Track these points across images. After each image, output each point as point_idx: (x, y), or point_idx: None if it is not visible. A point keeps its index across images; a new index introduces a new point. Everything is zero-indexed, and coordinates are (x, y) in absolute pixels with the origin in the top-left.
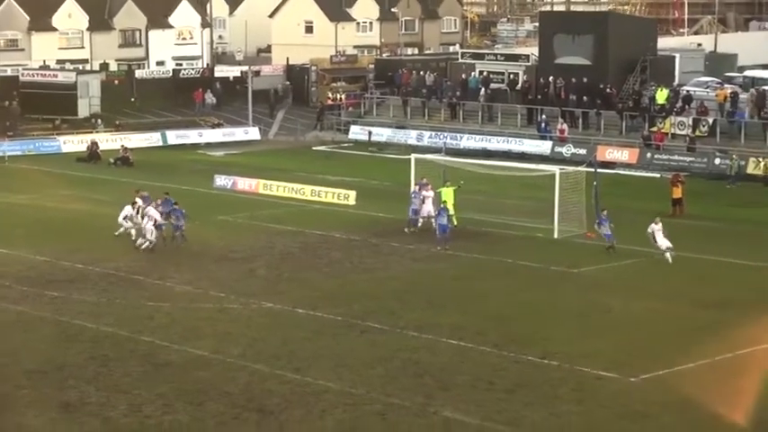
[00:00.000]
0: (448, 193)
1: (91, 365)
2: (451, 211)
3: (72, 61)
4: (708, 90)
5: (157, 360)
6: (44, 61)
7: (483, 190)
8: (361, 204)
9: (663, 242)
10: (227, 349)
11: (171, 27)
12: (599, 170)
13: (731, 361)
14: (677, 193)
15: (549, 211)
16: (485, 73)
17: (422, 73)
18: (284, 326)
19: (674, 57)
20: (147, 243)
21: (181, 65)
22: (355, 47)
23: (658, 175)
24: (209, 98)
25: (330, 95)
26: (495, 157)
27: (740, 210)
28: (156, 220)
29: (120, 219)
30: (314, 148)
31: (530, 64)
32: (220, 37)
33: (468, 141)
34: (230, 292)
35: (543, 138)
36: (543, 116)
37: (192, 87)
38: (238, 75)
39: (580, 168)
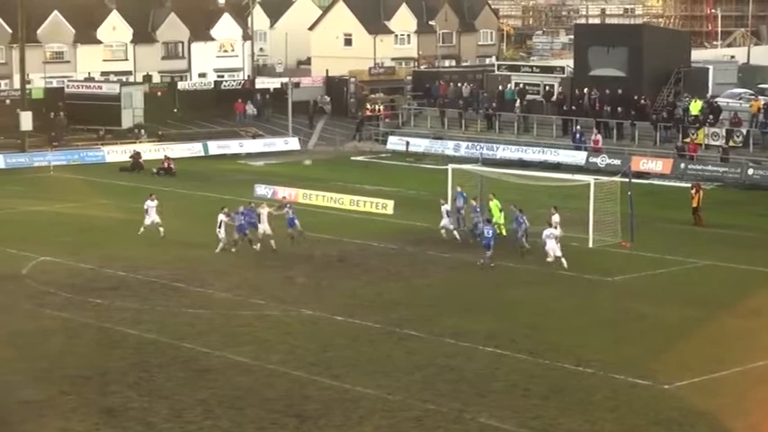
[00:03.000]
0: (495, 206)
1: (133, 371)
2: (501, 221)
3: (116, 73)
4: (741, 101)
5: (198, 366)
6: (89, 73)
7: (518, 199)
8: (399, 214)
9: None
10: (267, 356)
11: (213, 39)
12: (633, 180)
13: (764, 369)
14: (694, 201)
15: (584, 220)
16: (521, 84)
17: (459, 84)
18: (323, 333)
19: (707, 68)
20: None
21: (222, 77)
22: (393, 59)
23: (691, 186)
24: (250, 109)
25: (369, 106)
26: (531, 168)
27: None
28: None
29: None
30: (352, 159)
31: (565, 76)
32: (261, 49)
33: (505, 152)
34: (270, 299)
35: (578, 148)
36: (578, 127)
37: (233, 99)
38: (279, 86)
39: (615, 179)
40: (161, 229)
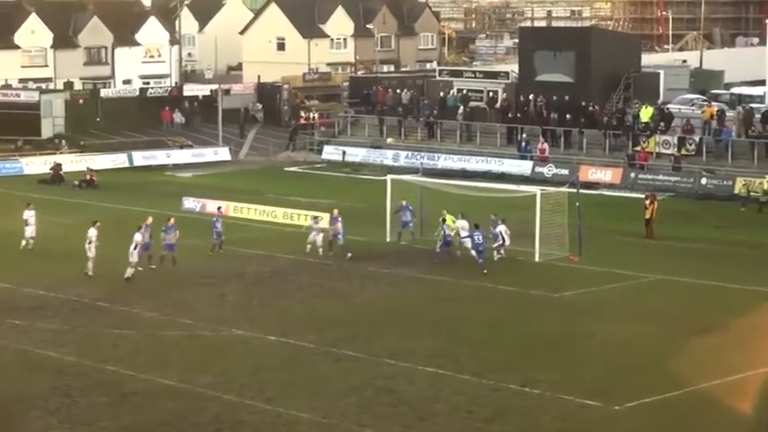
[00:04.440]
0: (451, 219)
1: (54, 396)
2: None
3: (35, 80)
4: (693, 108)
5: (123, 390)
6: (6, 80)
7: (461, 212)
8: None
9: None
10: (196, 378)
11: (138, 44)
12: (581, 191)
13: (720, 388)
14: (647, 213)
15: (530, 233)
16: (463, 91)
17: (398, 91)
18: (255, 354)
19: (658, 73)
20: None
21: (148, 83)
22: (329, 64)
23: (643, 196)
24: (178, 118)
25: (303, 114)
26: (474, 178)
27: (728, 231)
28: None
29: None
30: (286, 169)
31: (509, 81)
32: (189, 54)
33: (446, 161)
34: (199, 318)
35: (524, 157)
36: (524, 135)
37: (160, 106)
38: (208, 93)
39: (562, 189)
40: (31, 242)
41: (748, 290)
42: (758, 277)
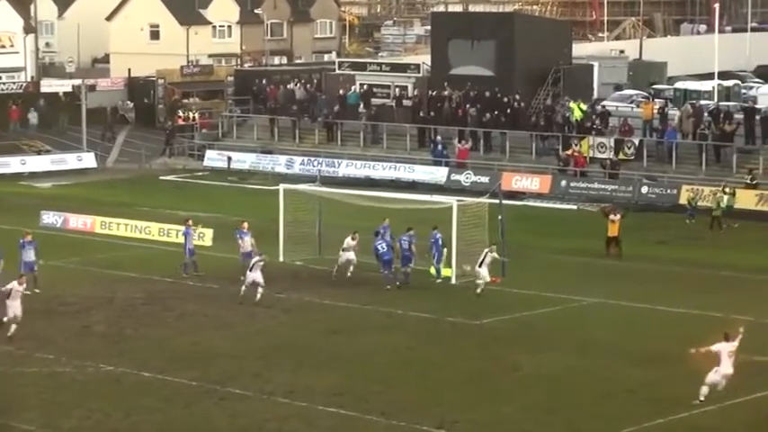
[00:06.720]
0: None
1: None
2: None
3: None
4: (632, 105)
5: None
6: None
7: (365, 226)
8: (220, 246)
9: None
10: (59, 422)
11: None
12: (504, 201)
13: (663, 428)
14: (613, 229)
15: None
16: (366, 86)
17: (291, 86)
18: (127, 393)
19: (591, 66)
20: None
21: None
22: (211, 55)
23: (575, 207)
24: (33, 118)
25: (181, 114)
26: (381, 187)
27: (672, 248)
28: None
29: None
30: (162, 178)
31: (420, 75)
32: (47, 44)
33: (348, 168)
34: (61, 352)
35: (438, 163)
36: (438, 137)
37: (12, 104)
38: (70, 90)
39: (482, 200)
40: None
41: (695, 314)
42: (705, 300)
